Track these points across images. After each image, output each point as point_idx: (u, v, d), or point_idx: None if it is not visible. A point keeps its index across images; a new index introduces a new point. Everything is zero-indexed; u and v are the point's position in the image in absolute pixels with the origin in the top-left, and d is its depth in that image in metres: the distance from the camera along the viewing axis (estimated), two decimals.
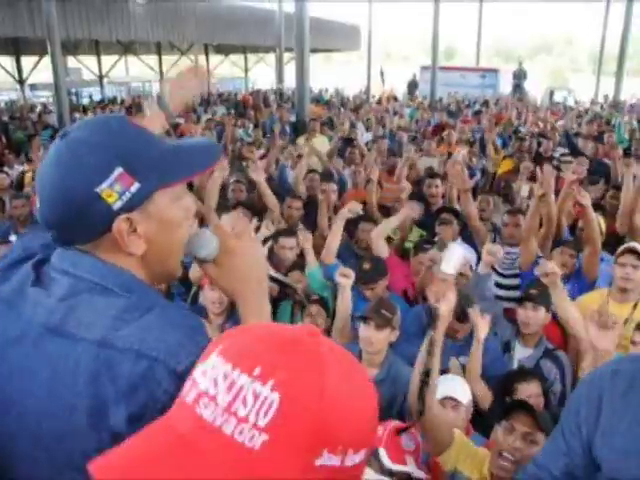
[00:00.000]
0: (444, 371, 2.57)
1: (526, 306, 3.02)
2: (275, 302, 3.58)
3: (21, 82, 20.45)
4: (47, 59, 13.44)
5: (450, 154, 6.94)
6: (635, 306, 3.10)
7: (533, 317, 3.01)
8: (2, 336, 0.89)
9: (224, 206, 4.70)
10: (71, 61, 23.56)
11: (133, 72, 29.95)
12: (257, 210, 4.77)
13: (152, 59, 25.11)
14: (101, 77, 23.18)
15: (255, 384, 0.59)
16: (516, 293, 3.70)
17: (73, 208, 0.86)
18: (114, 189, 0.86)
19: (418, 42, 49.53)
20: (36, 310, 0.88)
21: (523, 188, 5.37)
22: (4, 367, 0.88)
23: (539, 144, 7.95)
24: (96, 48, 22.05)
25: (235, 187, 5.23)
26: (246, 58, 28.63)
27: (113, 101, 19.20)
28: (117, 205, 0.86)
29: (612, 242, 3.98)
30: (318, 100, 18.54)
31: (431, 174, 5.45)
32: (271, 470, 0.58)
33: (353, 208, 3.83)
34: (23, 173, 6.72)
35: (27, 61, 20.56)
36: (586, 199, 3.63)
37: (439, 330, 2.06)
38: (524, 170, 5.88)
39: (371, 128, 10.58)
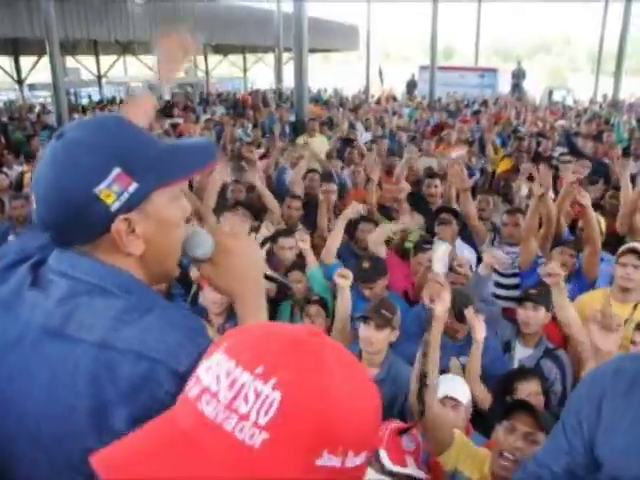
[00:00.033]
0: (444, 371, 2.57)
1: (526, 306, 3.03)
2: (275, 303, 3.58)
3: (20, 82, 20.45)
4: (46, 59, 13.44)
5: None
6: (635, 307, 3.10)
7: (533, 317, 3.01)
8: (1, 338, 0.89)
9: (223, 206, 4.70)
10: (70, 61, 23.54)
11: (132, 72, 29.94)
12: (256, 210, 4.78)
13: (151, 59, 25.09)
14: (100, 77, 23.17)
15: (257, 382, 0.59)
16: (516, 292, 3.70)
17: (71, 209, 0.85)
18: (112, 190, 0.85)
19: (417, 42, 49.60)
20: (34, 312, 0.88)
21: (523, 188, 5.38)
22: (3, 369, 0.87)
23: (538, 144, 7.95)
24: (95, 48, 22.03)
25: (234, 187, 5.23)
26: (245, 58, 28.63)
27: (112, 101, 19.19)
28: (115, 206, 0.86)
29: (612, 242, 3.98)
30: (317, 100, 18.54)
31: (430, 174, 5.45)
32: (271, 469, 0.58)
33: (356, 208, 3.84)
34: (22, 174, 6.70)
35: (26, 61, 20.57)
36: (586, 199, 3.63)
37: (435, 330, 2.07)
38: (524, 170, 5.88)
39: (370, 128, 10.58)
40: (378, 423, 0.68)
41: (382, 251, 3.88)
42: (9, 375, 0.87)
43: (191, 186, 4.97)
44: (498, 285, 3.87)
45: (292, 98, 14.40)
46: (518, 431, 2.01)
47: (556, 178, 5.86)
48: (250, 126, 11.30)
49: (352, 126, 10.11)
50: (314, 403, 0.59)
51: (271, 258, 3.84)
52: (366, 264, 3.44)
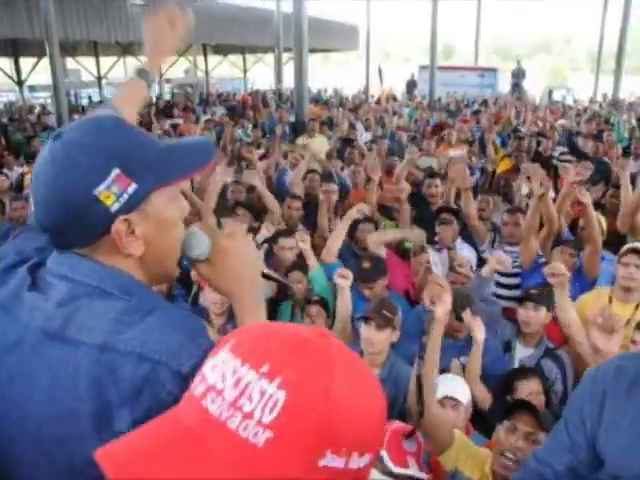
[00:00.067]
0: (444, 371, 2.57)
1: (527, 306, 3.03)
2: (275, 303, 3.58)
3: (20, 83, 20.43)
4: (46, 60, 13.43)
5: None
6: (637, 307, 3.10)
7: (534, 317, 3.01)
8: (0, 341, 0.89)
9: (223, 207, 4.70)
10: (70, 62, 23.53)
11: (132, 72, 29.85)
12: (257, 211, 4.78)
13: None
14: (100, 78, 23.14)
15: (262, 381, 0.59)
16: (516, 292, 3.70)
17: (70, 211, 0.85)
18: (111, 191, 0.85)
19: (416, 42, 49.56)
20: (34, 315, 0.87)
21: (523, 187, 5.38)
22: (3, 372, 0.87)
23: (538, 143, 7.95)
24: (95, 49, 22.01)
25: (234, 188, 5.23)
26: (244, 58, 28.62)
27: None
28: (115, 207, 0.86)
29: (613, 241, 3.98)
30: (317, 100, 18.55)
31: (431, 174, 5.45)
32: (273, 467, 0.58)
33: (361, 209, 3.85)
34: (22, 175, 6.70)
35: (26, 62, 20.54)
36: (586, 197, 3.63)
37: (435, 332, 2.07)
38: (525, 170, 5.87)
39: (370, 128, 10.58)
40: (383, 425, 0.68)
41: (382, 252, 3.89)
42: (9, 377, 0.86)
43: (192, 187, 4.97)
44: (499, 285, 3.87)
45: (292, 98, 14.40)
46: (519, 431, 2.01)
47: (556, 178, 5.87)
48: (250, 126, 11.31)
49: (352, 126, 10.11)
50: (318, 403, 0.59)
51: (271, 258, 3.84)
52: (366, 264, 3.44)
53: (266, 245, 3.86)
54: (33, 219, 0.91)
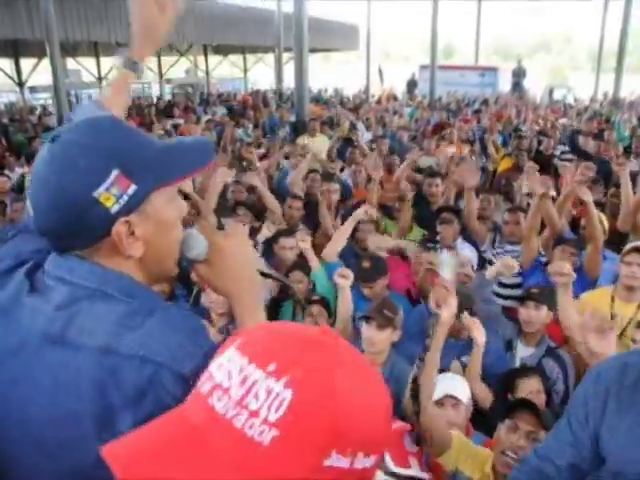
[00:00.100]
0: (445, 370, 2.57)
1: (528, 305, 3.02)
2: (277, 303, 3.58)
3: (20, 84, 20.42)
4: (46, 61, 13.45)
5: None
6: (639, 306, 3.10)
7: (535, 316, 3.00)
8: (2, 345, 0.89)
9: (224, 207, 4.70)
10: (70, 63, 23.53)
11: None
12: (257, 211, 4.78)
13: (151, 60, 25.13)
14: (100, 79, 23.15)
15: (269, 380, 0.59)
16: (517, 291, 3.70)
17: (70, 214, 0.84)
18: (111, 192, 0.84)
19: (417, 41, 49.53)
20: (35, 319, 0.87)
21: (524, 186, 5.37)
22: (6, 374, 0.87)
23: (539, 142, 7.95)
24: (95, 50, 22.02)
25: (235, 188, 5.24)
26: (245, 58, 28.61)
27: None
28: (115, 209, 0.85)
29: (615, 240, 3.98)
30: (317, 100, 18.54)
31: (431, 173, 5.45)
32: (279, 466, 0.58)
33: (369, 212, 3.87)
34: (23, 176, 6.70)
35: (26, 63, 20.53)
36: (587, 195, 3.63)
37: (439, 335, 2.07)
38: (528, 169, 5.86)
39: (371, 128, 10.58)
40: (389, 426, 0.68)
41: (383, 252, 3.89)
42: (12, 379, 0.86)
43: (193, 187, 4.97)
44: (500, 284, 3.87)
45: (293, 98, 14.40)
46: (520, 430, 2.01)
47: (557, 177, 5.87)
48: (251, 126, 11.31)
49: (354, 126, 10.10)
50: (324, 403, 0.59)
51: (272, 258, 3.84)
52: (366, 263, 3.44)
53: (263, 244, 3.86)
54: (32, 223, 0.90)
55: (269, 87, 24.26)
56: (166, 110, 14.98)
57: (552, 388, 2.78)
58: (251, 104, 16.07)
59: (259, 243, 4.07)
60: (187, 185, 4.15)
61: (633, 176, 4.69)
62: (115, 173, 0.84)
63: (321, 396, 0.59)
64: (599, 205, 4.37)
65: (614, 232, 4.21)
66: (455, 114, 13.00)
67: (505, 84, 22.14)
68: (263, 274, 1.15)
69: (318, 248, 3.86)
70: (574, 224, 4.47)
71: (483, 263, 4.03)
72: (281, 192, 5.44)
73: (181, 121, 12.33)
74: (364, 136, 9.39)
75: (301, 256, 3.75)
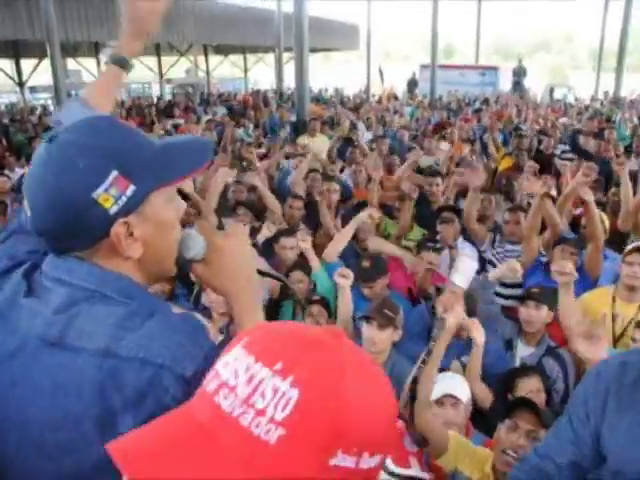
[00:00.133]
0: (444, 370, 2.57)
1: (528, 304, 3.02)
2: (277, 303, 3.58)
3: (21, 85, 20.44)
4: (47, 61, 13.46)
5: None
6: None
7: (535, 316, 3.00)
8: (1, 348, 0.88)
9: (225, 206, 4.71)
10: (71, 63, 23.55)
11: (132, 73, 29.65)
12: (258, 211, 4.78)
13: (151, 60, 25.10)
14: None
15: (275, 378, 0.59)
16: (518, 291, 3.69)
17: (68, 215, 0.84)
18: (110, 193, 0.84)
19: (417, 41, 49.53)
20: (33, 322, 0.86)
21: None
22: (4, 376, 0.86)
23: (540, 142, 7.94)
24: (95, 50, 22.03)
25: (236, 188, 5.24)
26: (245, 58, 28.61)
27: None
28: (114, 210, 0.84)
29: (616, 239, 3.97)
30: (318, 100, 18.55)
31: (431, 172, 5.45)
32: (285, 465, 0.58)
33: (374, 215, 3.87)
34: (24, 176, 6.71)
35: (27, 64, 20.55)
36: (589, 195, 3.62)
37: (443, 340, 2.07)
38: (528, 168, 5.86)
39: (371, 127, 10.58)
40: (394, 426, 0.68)
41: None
42: (12, 381, 0.86)
43: (194, 187, 4.97)
44: (501, 283, 3.87)
45: (293, 98, 14.40)
46: (520, 429, 2.01)
47: (558, 176, 5.86)
48: (251, 126, 11.31)
49: (354, 125, 10.10)
50: (330, 402, 0.59)
51: (272, 258, 3.84)
52: (366, 263, 3.44)
53: (263, 244, 3.86)
54: (30, 224, 0.89)
55: (269, 87, 24.26)
56: (166, 110, 14.99)
57: (552, 387, 2.77)
58: (251, 104, 16.08)
59: (259, 243, 4.07)
60: (188, 185, 4.15)
61: (633, 175, 4.68)
62: (114, 174, 0.83)
63: (327, 396, 0.59)
64: (600, 204, 4.36)
65: (615, 231, 4.21)
66: (456, 113, 13.00)
67: (505, 83, 22.13)
68: (261, 273, 1.15)
69: (319, 248, 3.86)
70: (575, 223, 4.46)
71: (483, 263, 4.03)
72: (281, 192, 5.44)
73: (181, 121, 12.34)
74: (364, 136, 9.39)
75: (302, 256, 3.75)
